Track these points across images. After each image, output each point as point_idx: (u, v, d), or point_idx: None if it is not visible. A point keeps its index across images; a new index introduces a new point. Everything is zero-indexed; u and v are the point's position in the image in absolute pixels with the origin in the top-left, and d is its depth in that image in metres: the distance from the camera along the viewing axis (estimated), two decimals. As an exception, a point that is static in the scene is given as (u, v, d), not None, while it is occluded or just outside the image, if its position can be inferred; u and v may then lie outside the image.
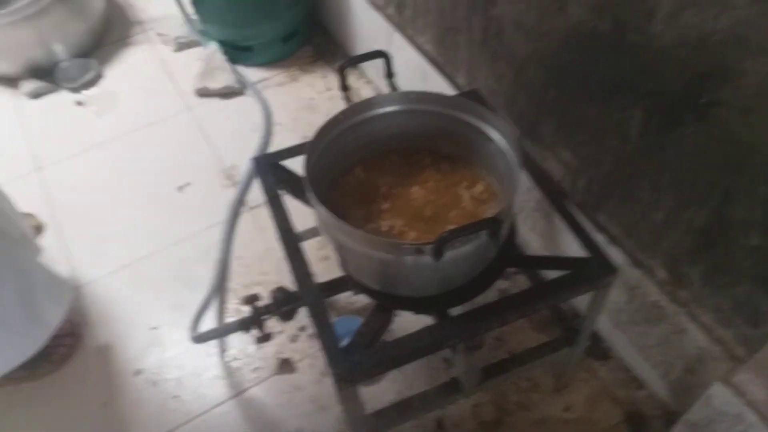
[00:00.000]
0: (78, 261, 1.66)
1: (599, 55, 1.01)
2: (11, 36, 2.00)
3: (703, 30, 0.82)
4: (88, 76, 2.14)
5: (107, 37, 2.32)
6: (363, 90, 1.99)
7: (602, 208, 1.18)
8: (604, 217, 1.19)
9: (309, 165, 0.97)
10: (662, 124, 0.96)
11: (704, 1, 0.80)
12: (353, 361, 0.91)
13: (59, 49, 2.13)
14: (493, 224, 0.84)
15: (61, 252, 1.68)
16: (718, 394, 0.92)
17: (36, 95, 2.13)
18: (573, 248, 1.08)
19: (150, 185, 1.82)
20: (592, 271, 0.98)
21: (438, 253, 0.82)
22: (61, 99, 2.12)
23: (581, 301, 1.35)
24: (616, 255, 1.18)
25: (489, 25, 1.26)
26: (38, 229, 1.73)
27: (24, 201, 1.68)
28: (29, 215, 1.73)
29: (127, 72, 2.20)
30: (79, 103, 2.10)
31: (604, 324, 1.35)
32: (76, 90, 2.14)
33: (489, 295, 1.00)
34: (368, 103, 1.05)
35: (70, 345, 1.47)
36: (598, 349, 1.38)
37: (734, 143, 0.85)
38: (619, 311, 1.28)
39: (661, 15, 0.87)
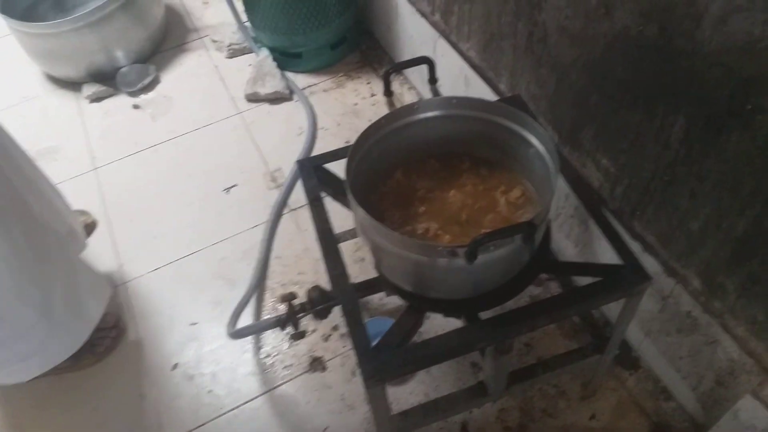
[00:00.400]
0: (126, 257, 1.72)
1: (644, 60, 1.00)
2: (75, 42, 2.10)
3: (751, 35, 0.80)
4: (146, 81, 2.23)
5: (165, 44, 2.41)
6: (406, 96, 2.01)
7: (639, 215, 1.16)
8: (640, 225, 1.17)
9: (350, 168, 0.99)
10: (705, 131, 0.93)
11: (753, 6, 0.78)
12: (382, 359, 0.92)
13: (120, 55, 2.22)
14: (527, 229, 0.84)
15: (110, 248, 1.75)
16: (747, 408, 0.89)
17: (96, 98, 2.22)
18: (607, 256, 1.06)
19: (198, 186, 1.88)
20: (625, 279, 0.97)
21: (471, 256, 0.83)
22: (120, 102, 2.21)
23: (612, 309, 1.33)
24: (650, 263, 1.16)
25: (534, 30, 1.25)
26: (91, 225, 1.80)
27: (80, 198, 1.77)
28: (84, 212, 1.80)
29: (182, 77, 2.27)
30: (136, 107, 2.18)
31: (634, 333, 1.33)
32: (134, 94, 2.22)
33: (520, 301, 1.00)
34: (410, 109, 1.07)
35: (114, 338, 1.52)
36: (628, 358, 1.35)
37: (779, 151, 0.83)
38: (650, 320, 1.25)
39: (709, 20, 0.85)
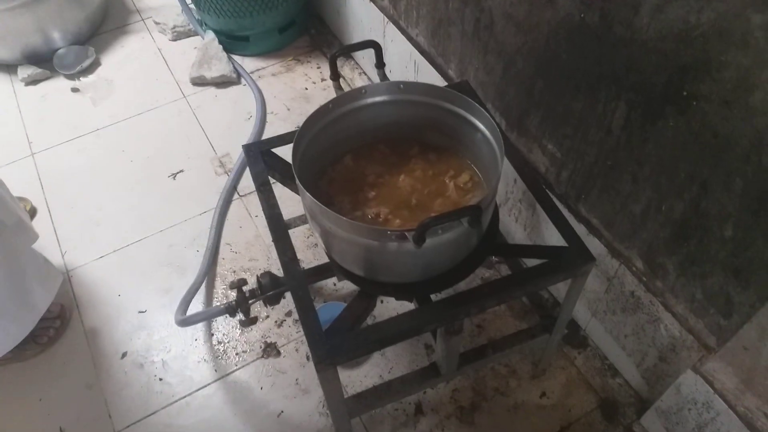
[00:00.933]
0: (69, 245, 1.67)
1: (586, 48, 1.02)
2: (9, 22, 2.01)
3: (687, 23, 0.83)
4: (85, 64, 2.15)
5: (105, 25, 2.33)
6: (357, 81, 2.00)
7: (584, 199, 1.20)
8: (585, 208, 1.21)
9: (297, 152, 0.98)
10: (644, 116, 0.97)
11: (690, -6, 0.81)
12: (333, 343, 0.93)
13: (57, 36, 2.14)
14: (473, 212, 0.85)
15: (52, 236, 1.69)
16: (688, 382, 0.93)
17: (33, 81, 2.13)
18: (554, 238, 1.09)
19: (143, 172, 1.83)
20: (571, 260, 0.99)
21: (420, 240, 0.84)
22: (58, 85, 2.13)
23: (561, 291, 1.38)
24: (595, 245, 1.19)
25: (481, 17, 1.27)
26: (30, 212, 1.74)
27: (18, 185, 1.70)
28: (23, 199, 1.74)
29: (124, 60, 2.20)
30: (75, 90, 2.10)
31: (582, 313, 1.37)
32: (72, 77, 2.14)
33: (472, 283, 1.02)
34: (358, 93, 1.07)
35: (58, 328, 1.48)
36: (576, 338, 1.40)
37: (712, 136, 0.86)
38: (597, 300, 1.29)
39: (647, 8, 0.88)
